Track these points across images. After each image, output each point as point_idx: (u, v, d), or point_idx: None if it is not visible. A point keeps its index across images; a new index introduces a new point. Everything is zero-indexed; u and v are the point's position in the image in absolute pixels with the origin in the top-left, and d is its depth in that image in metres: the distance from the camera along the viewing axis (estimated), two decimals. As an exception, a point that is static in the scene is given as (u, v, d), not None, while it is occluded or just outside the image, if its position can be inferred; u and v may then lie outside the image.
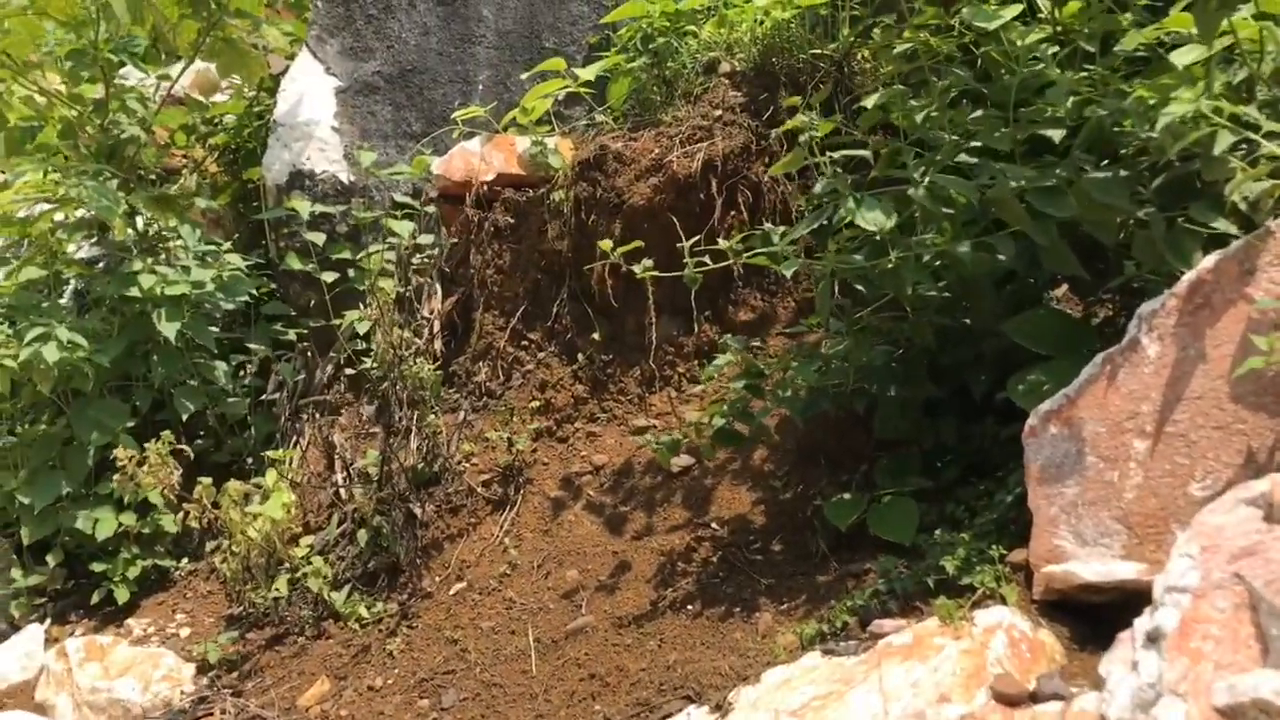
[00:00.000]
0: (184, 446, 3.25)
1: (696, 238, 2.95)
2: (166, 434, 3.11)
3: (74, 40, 4.39)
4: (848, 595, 2.42)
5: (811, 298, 3.53)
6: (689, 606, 2.75)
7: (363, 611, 3.15)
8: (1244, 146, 2.02)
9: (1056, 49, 2.75)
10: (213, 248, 4.05)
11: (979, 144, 2.57)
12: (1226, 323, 1.98)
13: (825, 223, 2.60)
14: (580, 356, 3.70)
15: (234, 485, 3.17)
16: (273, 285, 4.49)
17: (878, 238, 2.56)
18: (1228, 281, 1.99)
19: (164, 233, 4.09)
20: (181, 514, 3.09)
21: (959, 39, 2.77)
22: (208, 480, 3.14)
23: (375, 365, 3.50)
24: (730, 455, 3.27)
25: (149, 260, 3.83)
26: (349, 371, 4.20)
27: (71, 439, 3.74)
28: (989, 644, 1.93)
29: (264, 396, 4.17)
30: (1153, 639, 1.64)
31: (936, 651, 1.95)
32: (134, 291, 3.77)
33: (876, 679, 1.96)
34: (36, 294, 3.92)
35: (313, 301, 4.33)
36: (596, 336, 3.67)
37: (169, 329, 3.76)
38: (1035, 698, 1.76)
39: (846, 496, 2.75)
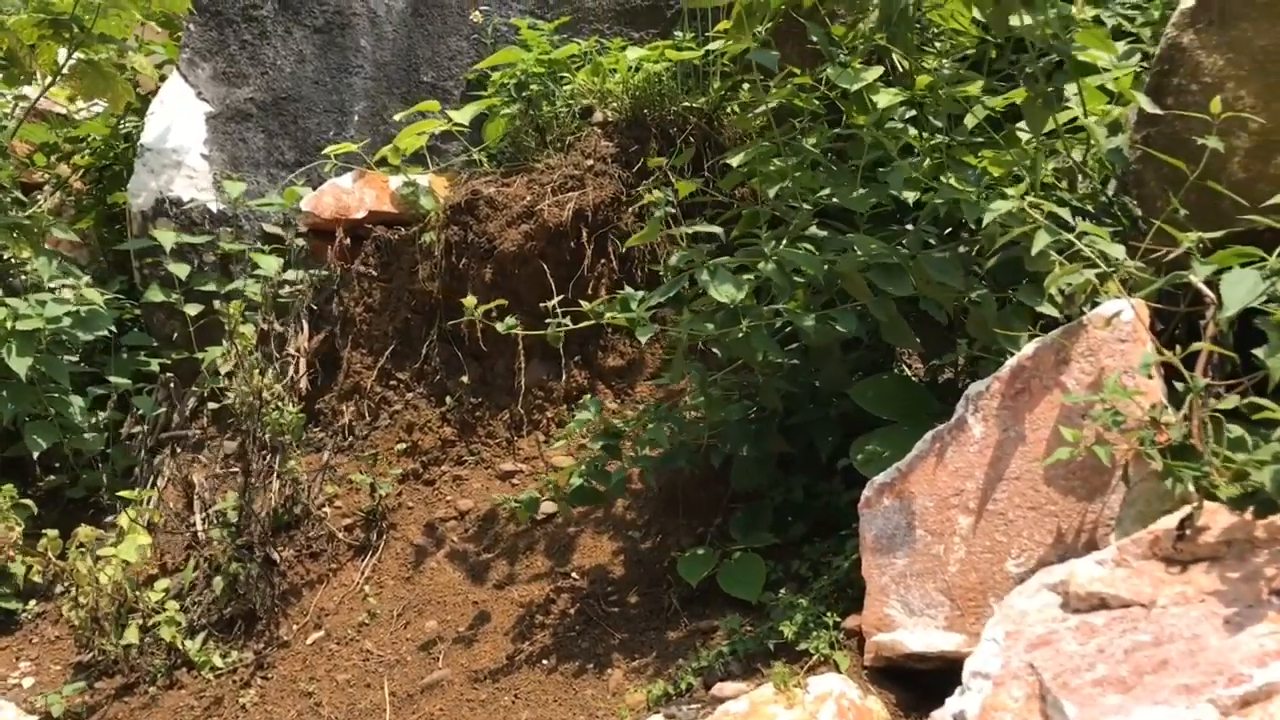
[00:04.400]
0: (27, 501, 3.16)
1: (563, 294, 3.02)
2: (8, 487, 3.02)
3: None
4: (695, 655, 2.49)
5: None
6: (544, 661, 2.79)
7: (217, 661, 3.10)
8: (1060, 242, 2.16)
9: (915, 112, 2.89)
10: (69, 281, 3.93)
11: (835, 205, 2.69)
12: (1043, 408, 2.12)
13: (683, 289, 2.68)
14: (449, 399, 3.71)
15: (85, 530, 3.09)
16: (136, 313, 4.37)
17: (731, 307, 2.65)
18: (1045, 369, 2.13)
19: (16, 262, 3.96)
20: (24, 568, 2.99)
21: (823, 98, 2.89)
22: (54, 533, 3.05)
23: (236, 404, 3.44)
24: (589, 509, 3.33)
25: None
26: (212, 405, 4.12)
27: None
28: (818, 714, 2.02)
29: (122, 431, 4.07)
30: None
31: (769, 720, 2.04)
32: (-18, 325, 3.64)
33: (712, 748, 2.03)
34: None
35: (176, 333, 4.24)
36: (465, 379, 3.69)
37: (20, 364, 3.63)
38: (855, 772, 1.86)
39: (700, 551, 2.83)
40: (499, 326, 2.86)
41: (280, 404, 3.35)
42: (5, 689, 3.21)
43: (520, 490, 3.49)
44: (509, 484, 3.57)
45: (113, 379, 4.09)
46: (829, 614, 2.32)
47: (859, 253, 2.51)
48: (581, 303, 2.89)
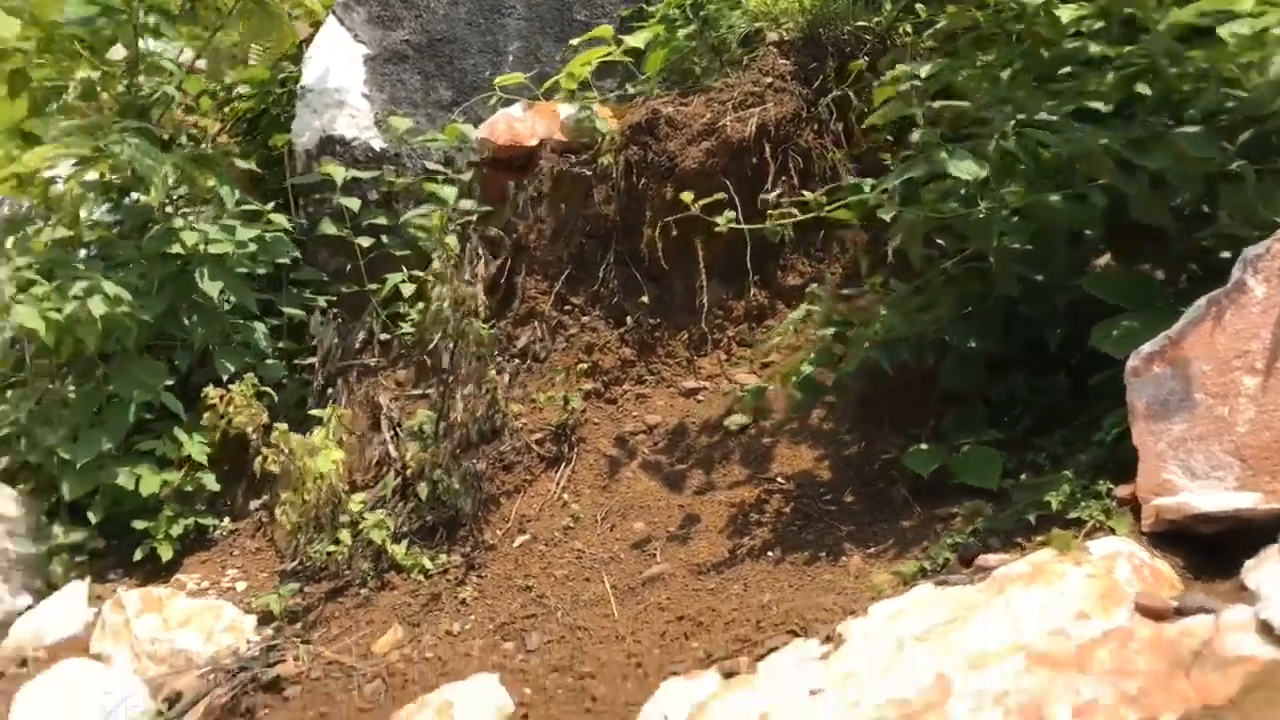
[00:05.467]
0: (268, 389, 3.22)
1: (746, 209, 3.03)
2: (250, 377, 3.08)
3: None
4: (944, 535, 2.47)
5: (857, 263, 3.58)
6: (769, 553, 2.78)
7: (426, 563, 3.14)
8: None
9: (1100, 24, 2.84)
10: (253, 206, 4.00)
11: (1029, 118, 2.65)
12: (1331, 264, 2.06)
13: (910, 177, 2.66)
14: (628, 320, 3.72)
15: (295, 438, 3.14)
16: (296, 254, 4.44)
17: (963, 191, 2.63)
18: (1333, 225, 2.08)
19: (200, 193, 4.04)
20: (260, 457, 3.05)
21: (1000, 15, 2.85)
22: (284, 425, 3.11)
23: (426, 323, 3.48)
24: (784, 416, 3.31)
25: (189, 218, 3.78)
26: (384, 337, 4.19)
27: (112, 396, 3.68)
28: (1113, 569, 1.99)
29: (298, 361, 4.14)
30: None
31: (1060, 577, 2.01)
32: (175, 249, 3.73)
33: (1003, 603, 2.01)
34: (69, 253, 3.86)
35: (348, 267, 4.30)
36: (645, 299, 3.70)
37: (211, 288, 3.72)
38: (1180, 613, 1.82)
39: (924, 447, 2.80)
40: (718, 220, 2.86)
41: (479, 314, 3.38)
42: (220, 592, 3.28)
43: (705, 406, 3.50)
44: (693, 401, 3.57)
45: (286, 310, 4.16)
46: (1099, 482, 2.28)
47: (1099, 136, 2.47)
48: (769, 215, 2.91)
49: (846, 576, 2.54)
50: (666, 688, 2.33)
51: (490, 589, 3.00)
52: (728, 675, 2.29)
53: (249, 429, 2.85)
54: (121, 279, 3.64)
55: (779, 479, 3.11)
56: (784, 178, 3.69)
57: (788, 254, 3.72)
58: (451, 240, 3.28)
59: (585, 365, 3.69)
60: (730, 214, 2.86)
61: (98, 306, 3.41)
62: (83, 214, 4.14)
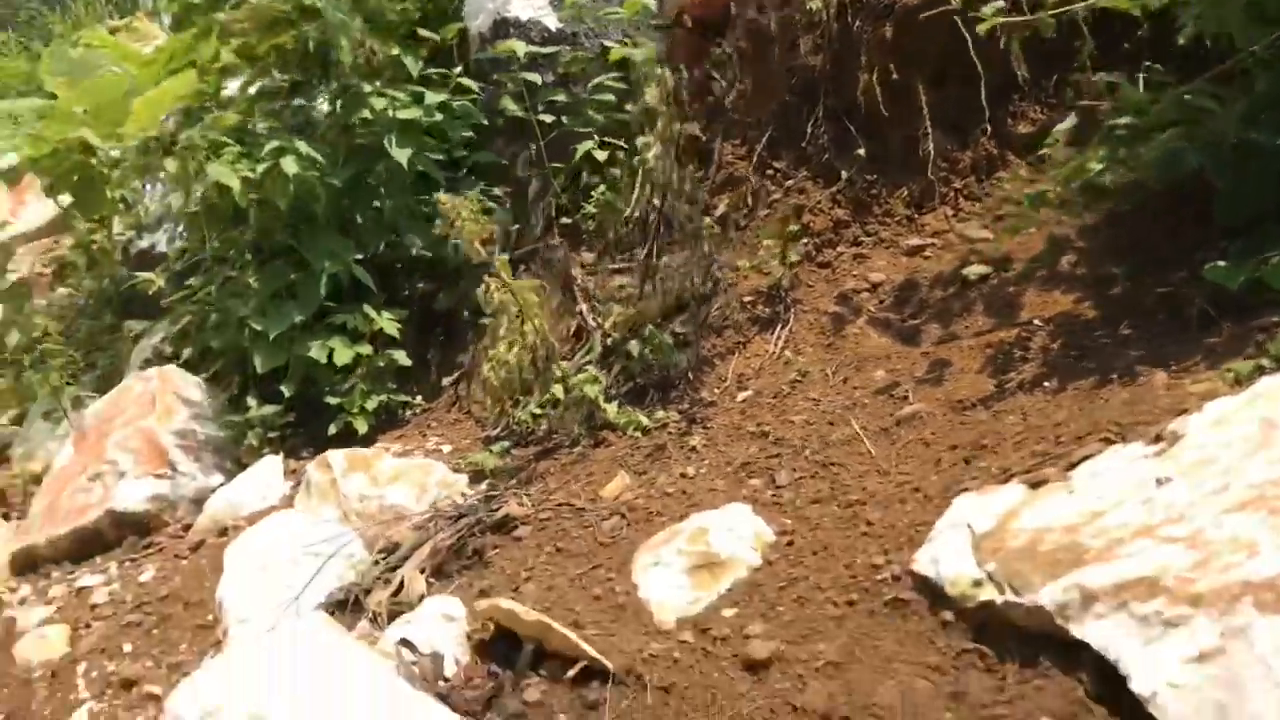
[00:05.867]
0: (493, 204, 2.99)
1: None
2: (474, 193, 2.89)
3: None
4: (1271, 342, 2.13)
5: (1093, 110, 3.23)
6: (1045, 384, 2.47)
7: (643, 419, 2.91)
8: None
9: None
10: (441, 70, 3.82)
11: None
12: None
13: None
14: (840, 178, 3.43)
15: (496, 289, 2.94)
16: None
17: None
18: None
19: (383, 65, 3.88)
20: (483, 288, 2.86)
21: None
22: (504, 257, 2.92)
23: (629, 178, 3.25)
24: (1031, 266, 2.99)
25: (376, 83, 3.63)
26: (564, 221, 3.99)
27: (302, 266, 3.56)
28: None
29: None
30: None
31: None
32: (365, 114, 3.58)
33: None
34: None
35: (523, 154, 4.12)
36: (862, 152, 3.40)
37: (400, 154, 3.55)
38: None
39: (1221, 264, 2.45)
40: (984, 10, 2.54)
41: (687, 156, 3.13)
42: (427, 453, 3.12)
43: (934, 263, 3.20)
44: (918, 259, 3.26)
45: (467, 194, 3.98)
46: None
47: None
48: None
49: (1151, 392, 2.21)
50: (959, 504, 2.05)
51: (720, 437, 2.76)
52: (1034, 485, 1.99)
53: (476, 241, 2.63)
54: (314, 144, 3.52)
55: (1035, 321, 2.79)
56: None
57: (1017, 100, 3.38)
58: (665, 72, 3.03)
59: (794, 228, 3.41)
60: (999, 3, 2.53)
61: (290, 165, 3.28)
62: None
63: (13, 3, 10.45)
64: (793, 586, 2.09)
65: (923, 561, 1.96)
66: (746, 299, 3.29)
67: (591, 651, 1.97)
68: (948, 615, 1.86)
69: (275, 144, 3.30)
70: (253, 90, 3.90)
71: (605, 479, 2.72)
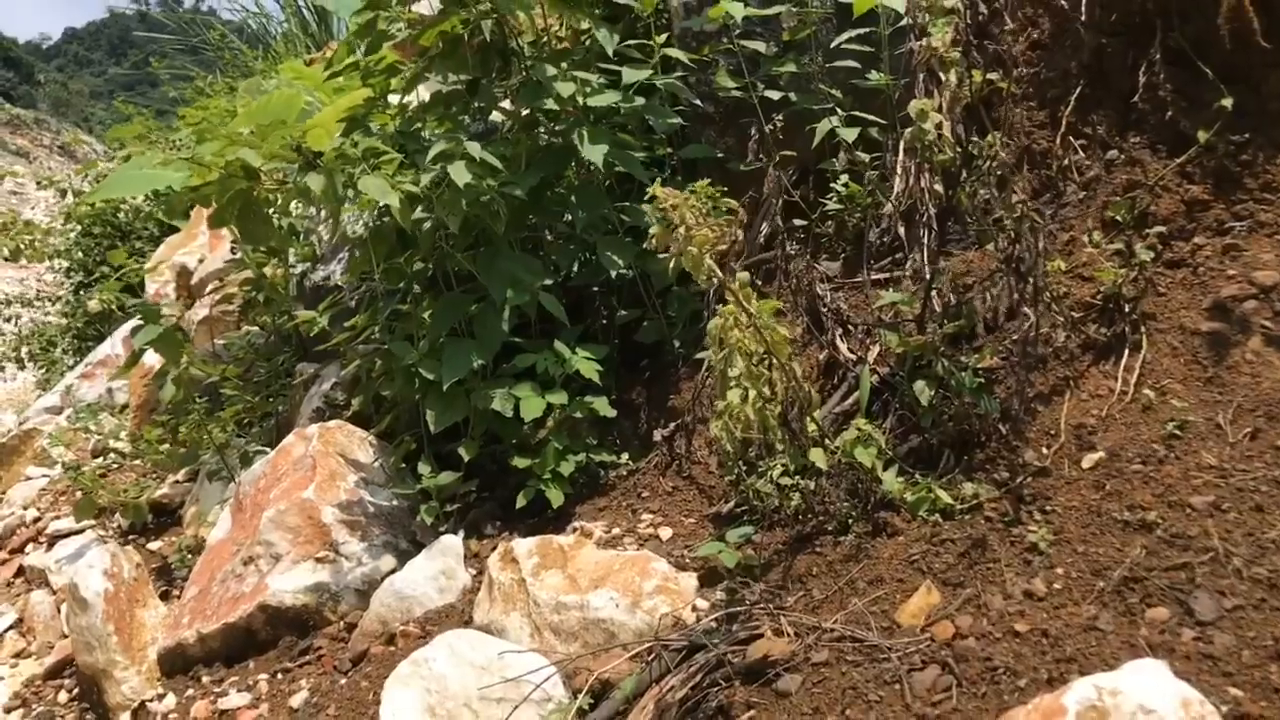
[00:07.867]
0: (730, 200, 2.20)
1: None
2: (702, 184, 2.11)
3: None
4: None
5: None
6: None
7: (943, 495, 2.04)
8: None
9: None
10: (641, 42, 3.07)
11: None
12: None
13: None
14: (1197, 139, 2.46)
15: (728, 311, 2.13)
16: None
17: None
18: None
19: (568, 42, 3.17)
20: (716, 322, 2.06)
21: None
22: (744, 275, 2.11)
23: (916, 172, 2.40)
24: None
25: (563, 66, 2.90)
26: (796, 222, 3.16)
27: (480, 300, 2.87)
28: None
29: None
30: None
31: None
32: (548, 104, 2.86)
33: None
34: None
35: (739, 141, 3.32)
36: (1226, 104, 2.42)
37: (594, 153, 2.80)
38: None
39: None
40: None
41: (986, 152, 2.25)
42: (640, 541, 2.35)
43: (1354, 252, 2.19)
44: (1329, 248, 2.26)
45: (693, 186, 3.21)
46: None
47: None
48: None
49: None
50: None
51: (1073, 529, 1.85)
52: None
53: (707, 254, 1.81)
54: (493, 146, 2.82)
55: None
56: None
57: None
58: (958, 2, 2.16)
59: (1126, 215, 2.47)
60: None
61: (460, 174, 2.58)
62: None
63: (218, 45, 10.53)
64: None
65: None
66: (1073, 315, 2.37)
67: None
68: None
69: (441, 147, 2.62)
70: (422, 89, 3.26)
71: (900, 592, 1.86)
